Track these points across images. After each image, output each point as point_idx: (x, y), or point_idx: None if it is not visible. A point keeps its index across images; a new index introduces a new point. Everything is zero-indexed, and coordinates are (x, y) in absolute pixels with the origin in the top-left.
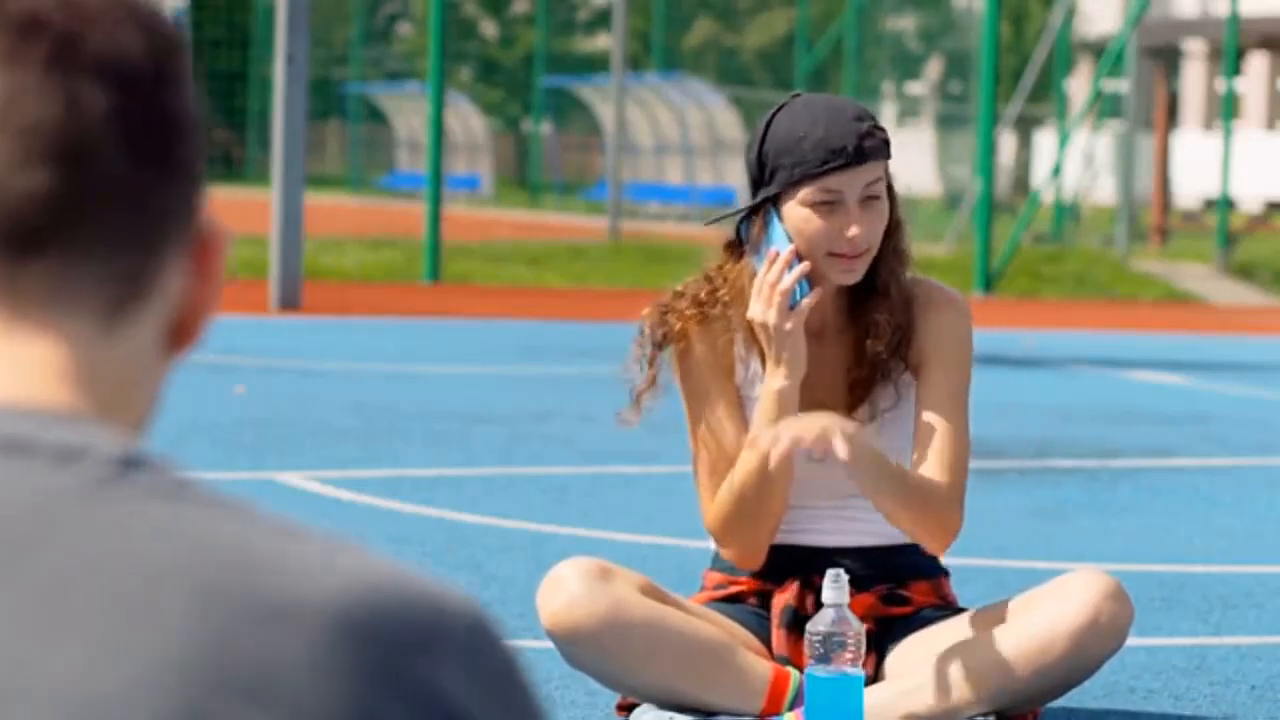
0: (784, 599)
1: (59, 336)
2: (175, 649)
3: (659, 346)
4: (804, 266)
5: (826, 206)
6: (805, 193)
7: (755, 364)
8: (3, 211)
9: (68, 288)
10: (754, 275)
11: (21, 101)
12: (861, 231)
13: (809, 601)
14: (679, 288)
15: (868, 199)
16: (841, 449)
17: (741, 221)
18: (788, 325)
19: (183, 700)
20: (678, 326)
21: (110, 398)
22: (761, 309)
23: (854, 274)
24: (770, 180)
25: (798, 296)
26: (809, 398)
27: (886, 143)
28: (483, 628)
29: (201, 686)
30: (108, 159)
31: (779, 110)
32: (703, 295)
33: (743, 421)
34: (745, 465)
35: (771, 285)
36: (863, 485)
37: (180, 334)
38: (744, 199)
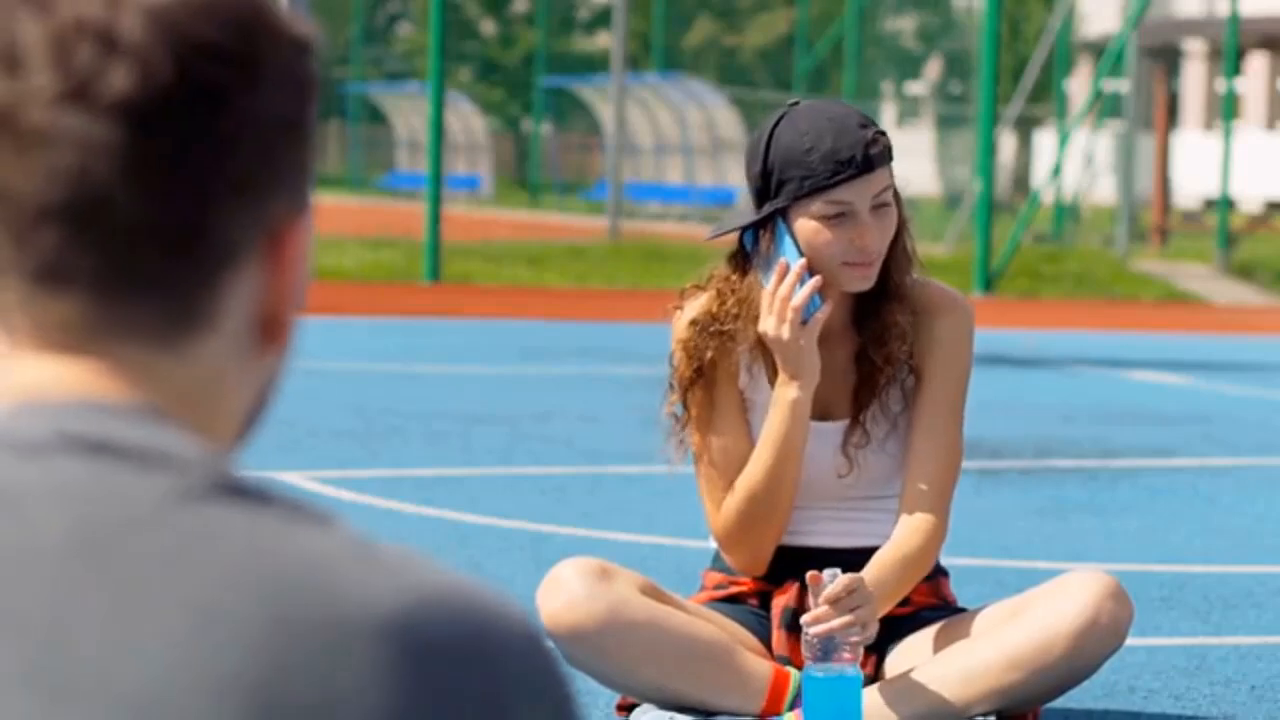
0: (783, 600)
1: (111, 360)
2: (239, 659)
3: (691, 384)
4: (816, 281)
5: (837, 218)
6: (816, 206)
7: (760, 370)
8: (27, 248)
9: (110, 318)
10: (764, 288)
11: (35, 149)
12: (875, 240)
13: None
14: (694, 315)
15: (878, 206)
16: (871, 623)
17: (746, 233)
18: (802, 341)
19: (242, 710)
20: (709, 356)
21: (190, 408)
22: (775, 324)
23: (868, 281)
24: (777, 193)
25: (811, 310)
26: (814, 401)
27: (890, 147)
28: (536, 643)
29: (263, 696)
30: (122, 208)
31: (779, 121)
32: (717, 312)
33: (748, 427)
34: (753, 471)
35: (784, 300)
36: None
37: (267, 333)
38: (745, 203)
